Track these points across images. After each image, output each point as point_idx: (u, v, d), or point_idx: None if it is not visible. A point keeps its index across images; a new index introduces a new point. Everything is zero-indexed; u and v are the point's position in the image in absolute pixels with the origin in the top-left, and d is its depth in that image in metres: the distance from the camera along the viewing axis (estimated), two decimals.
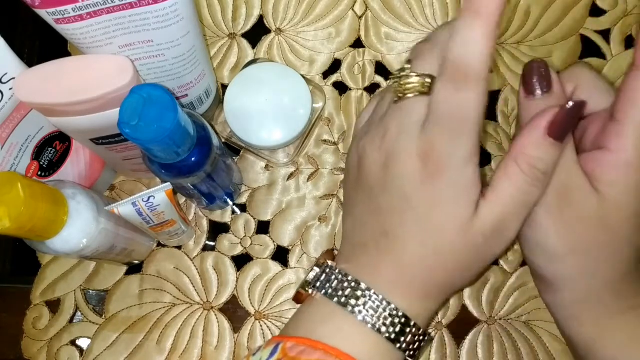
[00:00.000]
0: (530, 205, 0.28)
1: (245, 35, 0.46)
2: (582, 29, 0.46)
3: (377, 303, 0.28)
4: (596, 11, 0.47)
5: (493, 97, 0.45)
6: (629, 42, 0.46)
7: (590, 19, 0.46)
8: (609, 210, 0.28)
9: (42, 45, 0.47)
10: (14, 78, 0.33)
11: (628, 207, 0.28)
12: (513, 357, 0.41)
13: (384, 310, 0.28)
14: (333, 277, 0.29)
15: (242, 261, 0.42)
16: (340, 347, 0.27)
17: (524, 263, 0.42)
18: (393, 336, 0.28)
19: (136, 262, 0.42)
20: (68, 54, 0.45)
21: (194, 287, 0.42)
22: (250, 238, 0.43)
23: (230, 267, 0.42)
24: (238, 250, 0.43)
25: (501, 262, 0.42)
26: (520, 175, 0.27)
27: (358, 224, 0.30)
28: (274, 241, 0.43)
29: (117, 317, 0.41)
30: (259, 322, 0.41)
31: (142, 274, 0.42)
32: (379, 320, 0.28)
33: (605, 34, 0.46)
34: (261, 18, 0.47)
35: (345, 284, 0.29)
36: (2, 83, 0.32)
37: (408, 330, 0.28)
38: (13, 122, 0.34)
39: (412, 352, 0.29)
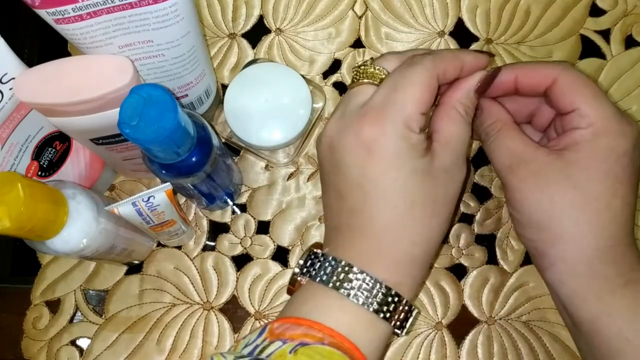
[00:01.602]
0: (467, 140, 0.32)
1: (245, 35, 0.46)
2: (582, 29, 0.46)
3: (357, 276, 0.29)
4: (596, 11, 0.47)
5: None
6: (629, 42, 0.46)
7: (590, 19, 0.46)
8: (574, 170, 0.31)
9: (42, 45, 0.47)
10: (14, 78, 0.33)
11: (596, 167, 0.31)
12: (513, 357, 0.41)
13: (363, 281, 0.29)
14: (316, 260, 0.30)
15: (242, 261, 0.42)
16: (323, 322, 0.28)
17: (524, 263, 0.42)
18: (376, 307, 0.28)
19: (136, 262, 0.42)
20: (68, 54, 0.45)
21: (194, 287, 0.42)
22: (250, 238, 0.43)
23: (230, 267, 0.42)
24: (238, 250, 0.43)
25: (501, 262, 0.42)
26: (460, 117, 0.32)
27: (329, 210, 0.32)
28: (274, 241, 0.43)
29: (117, 317, 0.41)
30: (259, 322, 0.41)
31: (142, 274, 0.42)
32: (359, 291, 0.28)
33: (605, 34, 0.46)
34: (261, 18, 0.47)
35: (326, 264, 0.30)
36: (2, 83, 0.32)
37: (390, 299, 0.29)
38: (13, 122, 0.34)
39: (398, 323, 0.29)
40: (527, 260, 0.42)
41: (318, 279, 0.29)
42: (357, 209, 0.30)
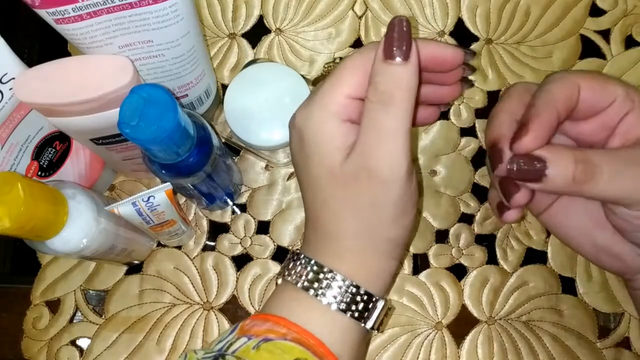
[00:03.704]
0: (396, 131, 0.26)
1: (245, 35, 0.46)
2: (582, 29, 0.46)
3: (314, 268, 0.29)
4: (596, 11, 0.47)
5: (493, 97, 0.45)
6: (629, 42, 0.46)
7: (590, 19, 0.46)
8: None
9: (42, 45, 0.47)
10: (14, 78, 0.33)
11: None
12: (513, 357, 0.41)
13: (317, 273, 0.29)
14: (290, 260, 0.31)
15: (242, 261, 0.42)
16: (289, 317, 0.28)
17: (524, 263, 0.42)
18: (330, 299, 0.29)
19: (136, 262, 0.42)
20: (68, 54, 0.45)
21: (193, 287, 0.42)
22: (250, 238, 0.43)
23: (230, 267, 0.42)
24: (238, 250, 0.43)
25: (501, 262, 0.42)
26: (369, 105, 0.27)
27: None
28: (274, 241, 0.43)
29: (117, 317, 0.41)
30: None
31: (142, 274, 0.42)
32: (313, 284, 0.29)
33: (605, 34, 0.46)
34: (261, 18, 0.47)
35: (295, 261, 0.30)
36: (2, 83, 0.32)
37: (343, 289, 0.29)
38: (13, 122, 0.35)
39: (357, 314, 0.29)
40: (527, 260, 0.42)
41: (288, 278, 0.30)
42: (303, 197, 0.31)
